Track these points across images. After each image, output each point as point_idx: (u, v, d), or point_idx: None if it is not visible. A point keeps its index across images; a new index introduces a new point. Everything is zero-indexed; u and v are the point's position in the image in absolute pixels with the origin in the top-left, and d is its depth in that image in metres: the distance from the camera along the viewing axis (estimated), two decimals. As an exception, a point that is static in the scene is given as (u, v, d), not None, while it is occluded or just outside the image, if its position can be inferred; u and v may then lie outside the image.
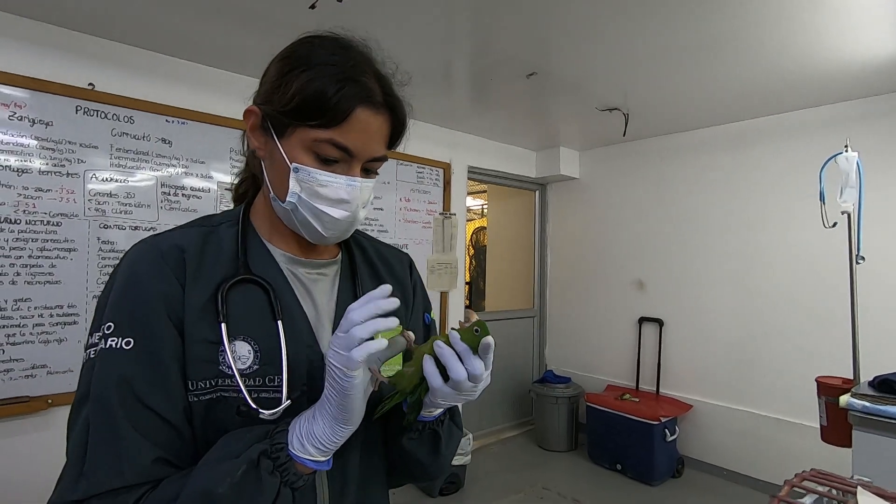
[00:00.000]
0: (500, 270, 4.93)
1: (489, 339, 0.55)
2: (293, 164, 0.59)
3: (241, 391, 0.55)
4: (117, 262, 0.60)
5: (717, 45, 2.12)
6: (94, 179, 2.05)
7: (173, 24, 1.96)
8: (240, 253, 0.62)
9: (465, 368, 0.54)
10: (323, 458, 0.54)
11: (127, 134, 2.13)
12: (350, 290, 0.69)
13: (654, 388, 3.51)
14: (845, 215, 1.83)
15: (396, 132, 0.64)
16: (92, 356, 0.54)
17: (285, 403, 0.57)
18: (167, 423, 0.54)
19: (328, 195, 0.60)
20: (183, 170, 2.28)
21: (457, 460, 2.98)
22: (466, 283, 4.47)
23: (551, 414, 3.70)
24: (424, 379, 0.56)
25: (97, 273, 2.05)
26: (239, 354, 0.57)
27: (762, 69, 2.35)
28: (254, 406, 0.56)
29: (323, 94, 0.57)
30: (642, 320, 3.63)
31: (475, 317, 0.60)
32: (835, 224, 1.87)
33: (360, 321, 0.52)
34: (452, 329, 0.56)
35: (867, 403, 1.58)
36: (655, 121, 3.19)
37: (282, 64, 0.61)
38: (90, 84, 2.05)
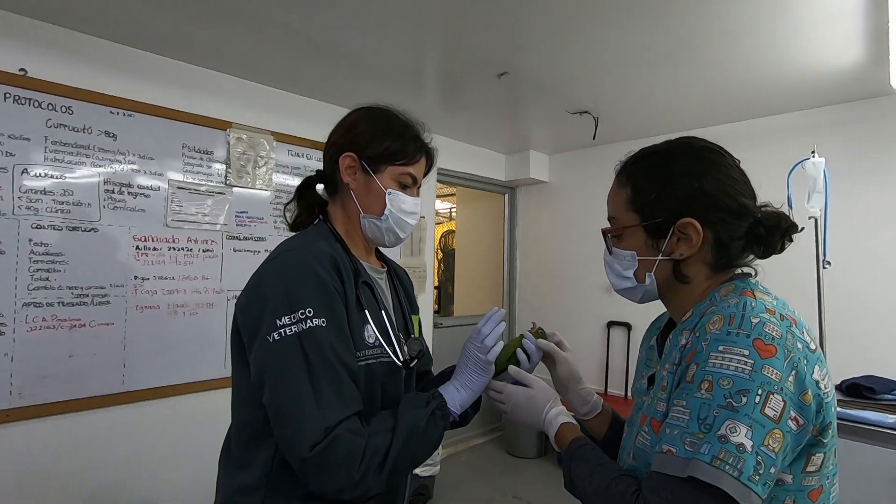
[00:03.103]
0: (469, 274, 4.87)
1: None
2: (388, 190, 0.92)
3: (388, 354, 0.88)
4: (266, 261, 0.86)
5: (686, 51, 2.12)
6: (25, 175, 1.86)
7: (115, 7, 1.80)
8: (355, 263, 0.91)
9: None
10: (459, 412, 0.89)
11: (65, 125, 1.95)
12: (393, 290, 1.04)
13: (623, 392, 3.52)
14: (812, 220, 1.84)
15: (430, 168, 1.01)
16: (289, 333, 0.76)
17: (414, 361, 0.96)
18: (354, 373, 0.80)
19: (407, 209, 0.95)
20: (130, 166, 2.11)
21: (425, 471, 2.89)
22: (435, 288, 4.38)
23: (521, 420, 3.64)
24: (514, 356, 0.97)
25: (28, 278, 1.85)
26: (371, 331, 0.87)
27: (730, 76, 2.38)
28: (401, 360, 0.91)
29: (407, 146, 0.93)
30: (611, 324, 3.64)
31: (538, 324, 1.05)
32: (802, 229, 1.88)
33: (487, 333, 0.89)
34: (528, 332, 1.01)
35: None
36: (625, 125, 3.20)
37: (371, 126, 0.93)
38: (21, 69, 1.85)
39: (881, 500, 1.40)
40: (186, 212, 2.26)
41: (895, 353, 2.34)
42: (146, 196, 2.15)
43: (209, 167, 2.34)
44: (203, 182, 2.32)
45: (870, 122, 2.57)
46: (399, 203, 0.93)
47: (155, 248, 2.17)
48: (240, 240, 2.44)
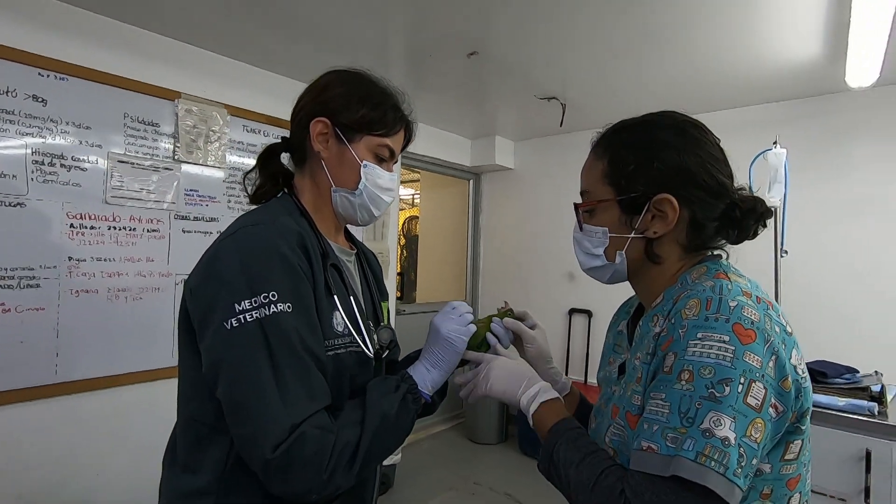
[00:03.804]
0: (432, 261, 4.81)
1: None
2: (363, 161, 0.84)
3: (358, 343, 0.80)
4: (223, 237, 0.76)
5: (653, 42, 2.13)
6: (-64, 140, 1.64)
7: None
8: (323, 243, 0.82)
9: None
10: (430, 393, 0.83)
11: (-16, 86, 1.73)
12: (362, 274, 0.95)
13: (583, 378, 3.57)
14: (772, 210, 1.89)
15: (407, 142, 0.93)
16: (249, 319, 0.67)
17: (386, 352, 0.89)
18: (323, 364, 0.72)
19: (383, 185, 0.86)
20: (63, 135, 1.90)
21: (386, 459, 2.83)
22: (398, 274, 4.30)
23: (482, 407, 3.65)
24: (484, 341, 0.90)
25: (-60, 257, 1.65)
26: (340, 319, 0.79)
27: (695, 68, 2.40)
28: (371, 351, 0.83)
29: (386, 115, 0.84)
30: (572, 311, 3.68)
31: (508, 304, 0.98)
32: (772, 215, 1.93)
33: (465, 311, 0.86)
34: (497, 311, 0.95)
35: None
36: (591, 113, 3.20)
37: (346, 90, 0.84)
38: (-70, 19, 1.63)
39: (833, 479, 1.45)
40: (129, 188, 2.08)
41: (845, 339, 2.47)
42: (82, 169, 1.95)
43: (155, 140, 2.16)
44: (148, 156, 2.14)
45: (827, 117, 2.67)
46: (375, 177, 0.85)
47: (92, 227, 1.98)
48: (189, 220, 2.28)
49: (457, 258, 4.44)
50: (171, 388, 0.86)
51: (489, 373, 0.83)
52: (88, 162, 1.97)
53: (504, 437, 3.72)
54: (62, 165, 1.90)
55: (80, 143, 1.95)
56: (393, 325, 0.99)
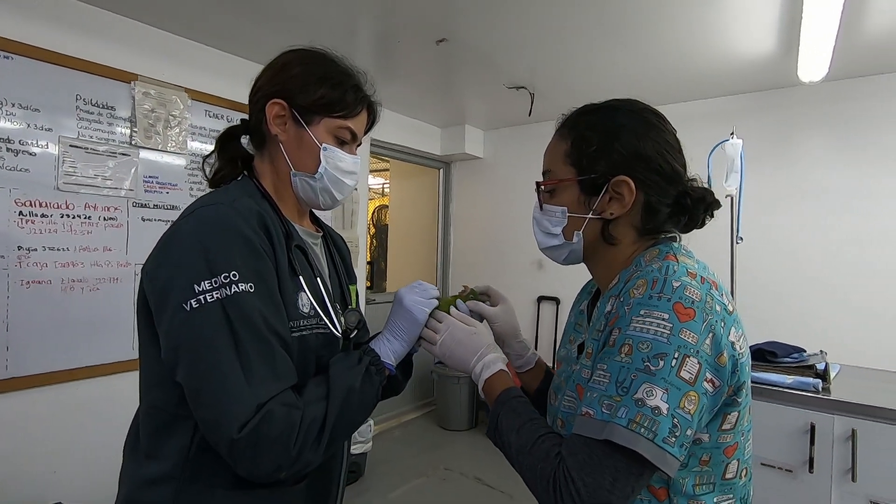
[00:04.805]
0: (403, 250, 4.80)
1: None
2: (323, 144, 0.82)
3: (325, 325, 0.79)
4: (180, 218, 0.73)
5: (617, 34, 2.18)
6: None
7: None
8: (286, 225, 0.80)
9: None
10: (394, 364, 0.83)
11: (-82, 64, 1.62)
12: (329, 258, 0.94)
13: (552, 364, 3.65)
14: (728, 198, 1.97)
15: (372, 124, 0.92)
16: (210, 300, 0.65)
17: (354, 332, 0.87)
18: (288, 344, 0.71)
19: (345, 168, 0.85)
20: (8, 119, 1.80)
21: (357, 448, 2.83)
22: (368, 263, 4.27)
23: (453, 393, 3.69)
24: None
25: None
26: (306, 300, 0.78)
27: (658, 60, 2.46)
28: (339, 331, 0.82)
29: (346, 95, 0.82)
30: (541, 299, 3.75)
31: (470, 286, 0.97)
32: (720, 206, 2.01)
33: (430, 287, 0.88)
34: (458, 299, 0.93)
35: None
36: (558, 103, 3.20)
37: (305, 70, 0.81)
38: None
39: (783, 452, 1.55)
40: (83, 174, 1.98)
41: (793, 322, 2.62)
42: (31, 154, 1.85)
43: (110, 124, 2.07)
44: (103, 141, 2.04)
45: (780, 110, 2.78)
46: (336, 161, 0.83)
47: (44, 215, 1.89)
48: (149, 208, 2.20)
49: (427, 247, 4.45)
50: (130, 381, 0.84)
51: (443, 345, 0.84)
52: (37, 146, 1.87)
53: (474, 423, 3.78)
54: (8, 150, 1.80)
55: (28, 126, 1.84)
56: (363, 312, 0.98)
